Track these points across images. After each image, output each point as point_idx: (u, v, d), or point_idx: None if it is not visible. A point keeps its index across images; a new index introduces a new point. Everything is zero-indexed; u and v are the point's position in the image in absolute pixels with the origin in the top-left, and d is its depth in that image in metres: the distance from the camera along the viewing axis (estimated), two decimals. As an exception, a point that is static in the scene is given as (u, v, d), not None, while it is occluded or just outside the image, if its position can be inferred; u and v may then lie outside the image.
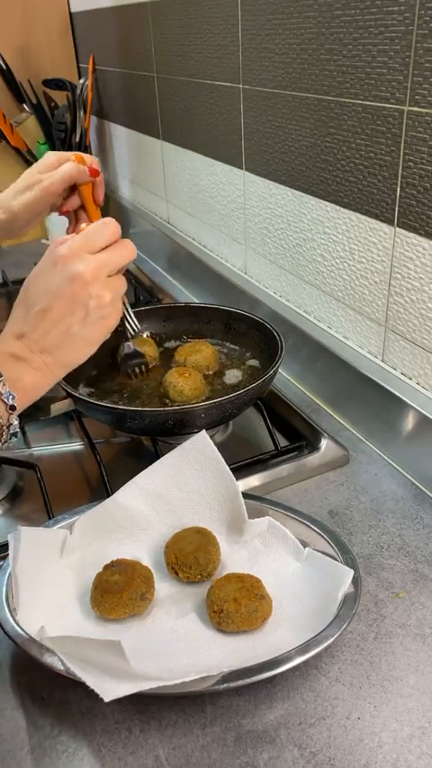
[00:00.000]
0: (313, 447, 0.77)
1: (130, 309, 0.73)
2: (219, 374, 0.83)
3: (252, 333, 0.85)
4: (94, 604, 0.56)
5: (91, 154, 1.73)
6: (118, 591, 0.55)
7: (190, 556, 0.58)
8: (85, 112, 1.47)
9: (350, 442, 0.78)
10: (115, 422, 0.73)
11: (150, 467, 0.65)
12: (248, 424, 0.85)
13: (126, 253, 0.58)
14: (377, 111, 0.68)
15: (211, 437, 0.66)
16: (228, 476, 0.64)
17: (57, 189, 0.73)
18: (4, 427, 0.53)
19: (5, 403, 0.52)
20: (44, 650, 0.50)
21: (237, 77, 0.94)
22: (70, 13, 1.58)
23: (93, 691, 0.45)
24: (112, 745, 0.48)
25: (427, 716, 0.49)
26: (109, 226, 0.58)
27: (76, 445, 0.83)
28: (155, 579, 0.58)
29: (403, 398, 0.71)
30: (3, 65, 1.51)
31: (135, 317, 0.74)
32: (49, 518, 0.67)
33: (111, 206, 1.64)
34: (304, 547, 0.60)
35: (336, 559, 0.58)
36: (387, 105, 0.66)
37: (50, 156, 0.75)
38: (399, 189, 0.68)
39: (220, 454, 0.64)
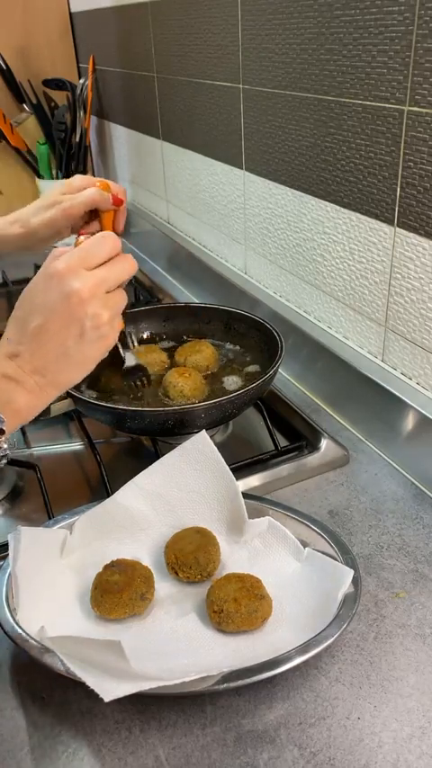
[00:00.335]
0: (313, 447, 0.77)
1: (126, 328, 0.73)
2: (218, 377, 0.83)
3: (252, 333, 0.85)
4: (94, 604, 0.56)
5: (91, 154, 1.74)
6: (118, 591, 0.55)
7: (190, 556, 0.58)
8: (85, 112, 1.47)
9: (350, 442, 0.78)
10: (115, 422, 0.73)
11: (150, 467, 0.65)
12: (248, 424, 0.85)
13: (126, 268, 0.56)
14: (377, 111, 0.68)
15: (211, 437, 0.66)
16: (228, 476, 0.64)
17: (76, 212, 0.72)
18: None
19: None
20: (44, 650, 0.50)
21: (237, 77, 0.94)
22: (70, 13, 1.58)
23: (93, 691, 0.45)
24: (112, 745, 0.48)
25: (427, 716, 0.49)
26: (108, 239, 0.56)
27: (76, 445, 0.83)
28: (155, 579, 0.58)
29: (403, 398, 0.71)
30: (3, 65, 1.51)
31: (135, 324, 0.74)
32: (49, 518, 0.67)
33: (111, 206, 1.64)
34: (304, 547, 0.60)
35: (336, 559, 0.58)
36: (387, 105, 0.66)
37: (76, 180, 0.75)
38: (399, 189, 0.68)
39: (219, 454, 0.64)
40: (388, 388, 0.74)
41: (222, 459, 0.64)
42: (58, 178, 1.50)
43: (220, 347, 0.88)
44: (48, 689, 0.52)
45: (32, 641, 0.51)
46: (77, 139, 1.46)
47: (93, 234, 0.75)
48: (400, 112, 0.65)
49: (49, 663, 0.50)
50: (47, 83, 1.51)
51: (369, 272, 0.76)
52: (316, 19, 0.74)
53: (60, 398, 0.83)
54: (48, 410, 0.84)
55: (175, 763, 0.47)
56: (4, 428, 0.51)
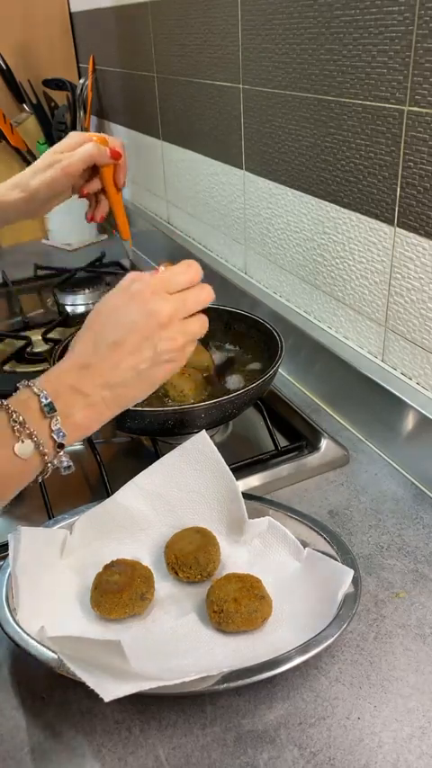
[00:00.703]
0: (313, 447, 0.77)
1: None
2: (218, 376, 0.83)
3: (252, 333, 0.85)
4: (94, 604, 0.56)
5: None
6: (118, 591, 0.55)
7: (190, 556, 0.58)
8: (85, 112, 1.47)
9: (350, 442, 0.78)
10: (115, 422, 0.73)
11: (150, 467, 0.65)
12: (248, 424, 0.85)
13: (204, 297, 0.57)
14: (377, 111, 0.68)
15: (211, 437, 0.66)
16: (228, 476, 0.64)
17: (75, 169, 0.71)
18: (49, 464, 0.51)
19: (54, 440, 0.50)
20: (44, 650, 0.50)
21: (237, 77, 0.94)
22: (70, 13, 1.58)
23: (93, 691, 0.45)
24: (112, 745, 0.48)
25: (427, 716, 0.49)
26: (192, 268, 0.57)
27: (76, 445, 0.83)
28: (155, 579, 0.58)
29: (403, 398, 0.71)
30: (3, 65, 1.51)
31: None
32: (49, 518, 0.67)
33: (111, 206, 1.64)
34: (304, 547, 0.60)
35: (336, 559, 0.58)
36: (387, 105, 0.66)
37: (73, 136, 0.73)
38: (399, 189, 0.68)
39: (219, 454, 0.64)
40: (388, 388, 0.74)
41: (222, 460, 0.64)
42: (58, 178, 1.50)
43: (220, 347, 0.88)
44: (48, 689, 0.52)
45: (32, 641, 0.51)
46: (77, 139, 1.46)
47: (96, 193, 0.74)
48: (400, 112, 0.65)
49: (49, 663, 0.50)
50: (47, 83, 1.51)
51: (369, 272, 0.76)
52: (316, 19, 0.74)
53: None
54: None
55: (175, 763, 0.47)
56: (65, 442, 0.50)
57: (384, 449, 0.76)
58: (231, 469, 0.64)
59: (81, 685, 0.46)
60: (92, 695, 0.45)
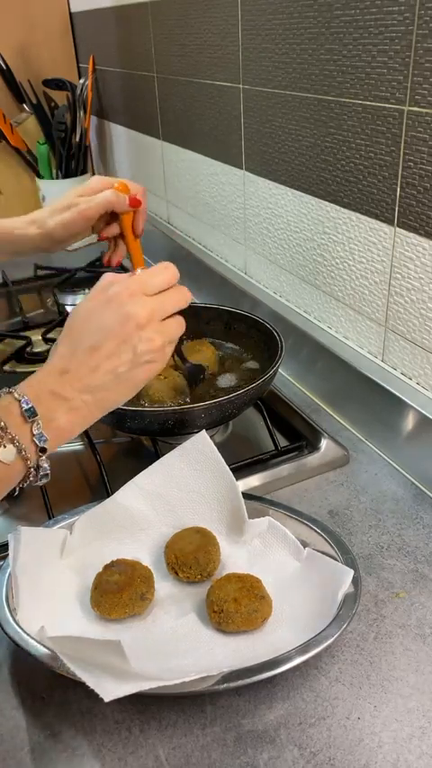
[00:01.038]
0: (313, 447, 0.77)
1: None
2: (218, 376, 0.83)
3: (252, 333, 0.85)
4: (94, 604, 0.56)
5: (91, 154, 1.74)
6: (118, 591, 0.55)
7: (190, 556, 0.58)
8: (85, 112, 1.47)
9: (350, 442, 0.78)
10: (115, 422, 0.73)
11: (150, 467, 0.65)
12: (248, 423, 0.85)
13: (181, 298, 0.57)
14: (377, 111, 0.68)
15: (211, 437, 0.66)
16: (228, 476, 0.64)
17: (92, 214, 0.72)
18: (32, 469, 0.51)
19: (36, 445, 0.50)
20: (44, 650, 0.50)
21: (237, 77, 0.94)
22: (70, 13, 1.58)
23: (93, 691, 0.45)
24: (112, 745, 0.48)
25: (427, 716, 0.49)
26: (169, 269, 0.57)
27: (76, 445, 0.83)
28: (155, 579, 0.58)
29: (403, 398, 0.71)
30: (3, 65, 1.51)
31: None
32: (49, 518, 0.67)
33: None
34: (304, 547, 0.60)
35: (336, 559, 0.58)
36: (387, 105, 0.66)
37: (94, 181, 0.74)
38: (399, 189, 0.68)
39: (219, 454, 0.64)
40: (388, 388, 0.74)
41: (222, 460, 0.64)
42: (58, 178, 1.50)
43: (220, 347, 0.88)
44: (48, 689, 0.52)
45: (32, 641, 0.51)
46: (77, 139, 1.46)
47: (115, 237, 0.76)
48: (400, 112, 0.65)
49: (49, 663, 0.50)
50: (47, 83, 1.51)
51: (369, 272, 0.76)
52: (316, 19, 0.74)
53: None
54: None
55: (175, 763, 0.47)
56: (47, 446, 0.50)
57: (384, 449, 0.76)
58: (231, 469, 0.64)
59: (81, 685, 0.46)
60: (92, 695, 0.45)
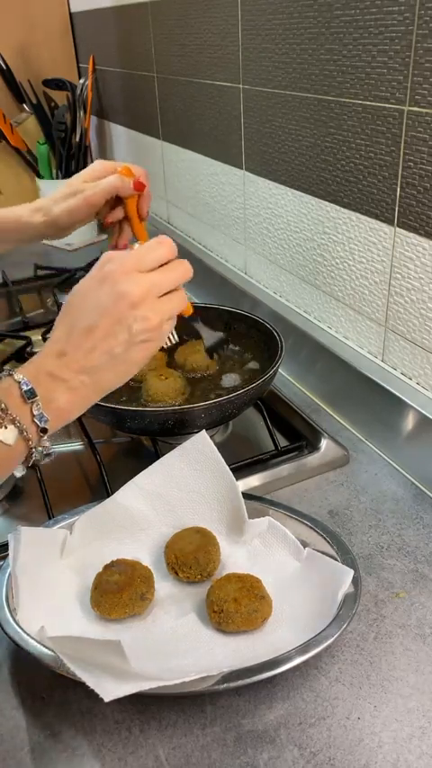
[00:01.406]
0: (313, 447, 0.77)
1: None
2: (219, 377, 0.83)
3: (252, 333, 0.85)
4: (94, 604, 0.56)
5: (91, 154, 1.74)
6: (118, 591, 0.55)
7: (190, 556, 0.58)
8: (85, 112, 1.47)
9: (350, 442, 0.78)
10: (115, 422, 0.73)
11: (150, 467, 0.65)
12: (248, 423, 0.85)
13: (180, 273, 0.55)
14: (377, 111, 0.68)
15: (211, 437, 0.66)
16: (228, 476, 0.64)
17: (98, 200, 0.72)
18: (34, 449, 0.51)
19: (37, 425, 0.50)
20: (44, 650, 0.50)
21: (237, 77, 0.94)
22: (70, 13, 1.58)
23: (93, 691, 0.45)
24: (112, 745, 0.48)
25: (427, 716, 0.49)
26: (164, 244, 0.55)
27: (76, 445, 0.83)
28: (155, 579, 0.58)
29: (403, 398, 0.71)
30: (3, 65, 1.51)
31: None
32: (49, 518, 0.67)
33: (111, 206, 1.64)
34: (304, 547, 0.60)
35: (336, 559, 0.58)
36: (387, 105, 0.66)
37: (97, 165, 0.74)
38: (399, 189, 0.68)
39: (219, 454, 0.64)
40: (388, 388, 0.74)
41: (222, 460, 0.64)
42: (58, 178, 1.50)
43: (220, 347, 0.88)
44: (48, 689, 0.52)
45: (32, 641, 0.51)
46: (77, 139, 1.46)
47: (120, 222, 0.73)
48: (400, 112, 0.65)
49: (49, 663, 0.50)
50: (47, 83, 1.51)
51: (369, 272, 0.76)
52: (316, 19, 0.74)
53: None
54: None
55: (175, 763, 0.47)
56: (48, 427, 0.50)
57: (384, 449, 0.76)
58: (231, 469, 0.64)
59: (81, 685, 0.46)
60: (92, 695, 0.45)
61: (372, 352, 0.80)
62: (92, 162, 1.78)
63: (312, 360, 0.87)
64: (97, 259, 0.55)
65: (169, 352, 0.87)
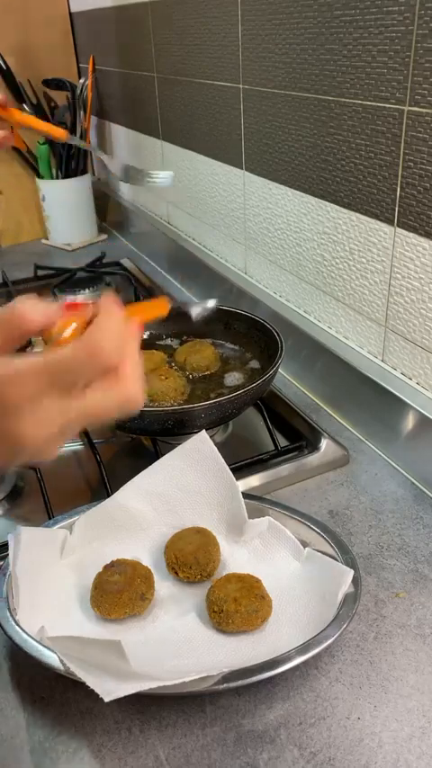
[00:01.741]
0: (313, 447, 0.77)
1: None
2: (219, 376, 0.83)
3: (252, 333, 0.85)
4: (94, 604, 0.56)
5: (91, 154, 1.73)
6: (118, 591, 0.55)
7: (190, 556, 0.58)
8: (85, 112, 1.47)
9: (350, 442, 0.78)
10: (115, 422, 0.73)
11: (150, 467, 0.65)
12: (248, 424, 0.85)
13: (118, 400, 0.37)
14: (377, 111, 0.68)
15: (211, 437, 0.66)
16: (228, 476, 0.64)
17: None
18: None
19: None
20: (44, 650, 0.50)
21: (237, 77, 0.94)
22: (70, 13, 1.58)
23: (93, 691, 0.45)
24: (112, 745, 0.48)
25: (427, 716, 0.49)
26: (99, 354, 0.35)
27: (76, 445, 0.83)
28: (155, 579, 0.58)
29: (403, 398, 0.71)
30: (3, 65, 1.51)
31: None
32: (49, 518, 0.67)
33: (111, 206, 1.64)
34: (304, 547, 0.60)
35: (336, 559, 0.58)
36: (387, 105, 0.66)
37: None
38: (399, 189, 0.68)
39: (219, 454, 0.64)
40: (388, 388, 0.74)
41: (222, 460, 0.64)
42: (58, 178, 1.50)
43: (220, 347, 0.88)
44: (48, 689, 0.52)
45: (32, 641, 0.51)
46: (77, 139, 1.46)
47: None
48: (400, 112, 0.65)
49: (49, 663, 0.50)
50: (47, 83, 1.51)
51: (369, 272, 0.76)
52: (316, 19, 0.74)
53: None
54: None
55: (175, 763, 0.47)
56: None
57: (384, 449, 0.76)
58: (231, 469, 0.64)
59: (81, 685, 0.46)
60: (92, 695, 0.45)
61: (372, 352, 0.80)
62: (92, 162, 1.78)
63: (312, 360, 0.87)
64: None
65: (169, 352, 0.87)
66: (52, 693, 0.52)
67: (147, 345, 0.88)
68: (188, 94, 1.11)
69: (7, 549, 0.57)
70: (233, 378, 0.82)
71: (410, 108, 0.63)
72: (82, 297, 1.21)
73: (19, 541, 0.56)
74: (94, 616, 0.56)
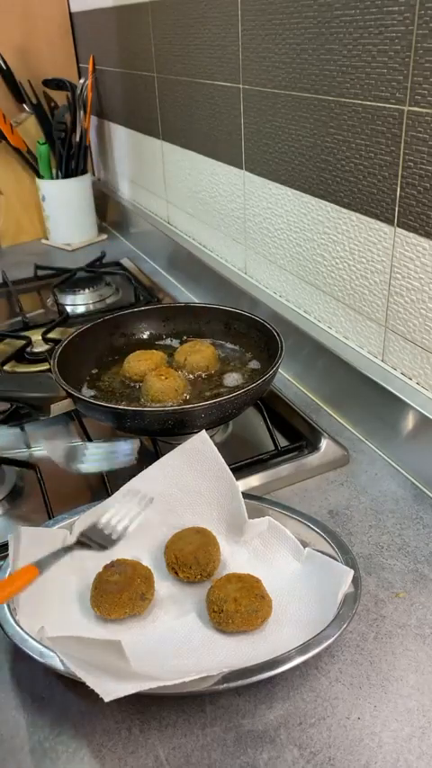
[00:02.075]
0: (313, 447, 0.77)
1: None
2: (219, 376, 0.83)
3: (252, 333, 0.85)
4: (93, 604, 0.56)
5: (91, 154, 1.74)
6: (118, 591, 0.55)
7: (190, 556, 0.58)
8: (85, 112, 1.47)
9: (350, 442, 0.78)
10: (115, 422, 0.73)
11: (150, 467, 0.65)
12: (248, 424, 0.85)
13: None
14: (377, 111, 0.68)
15: (211, 437, 0.66)
16: (228, 476, 0.64)
17: None
18: None
19: None
20: (44, 650, 0.50)
21: (237, 77, 0.94)
22: (70, 13, 1.58)
23: (93, 691, 0.45)
24: (112, 745, 0.48)
25: (427, 716, 0.49)
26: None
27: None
28: (155, 579, 0.58)
29: (403, 398, 0.71)
30: (3, 65, 1.51)
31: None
32: (49, 518, 0.67)
33: (111, 206, 1.64)
34: (304, 547, 0.60)
35: (336, 559, 0.58)
36: (387, 105, 0.66)
37: None
38: (399, 189, 0.68)
39: (219, 454, 0.64)
40: (388, 388, 0.74)
41: (222, 460, 0.64)
42: (58, 178, 1.50)
43: (220, 347, 0.88)
44: (48, 689, 0.52)
45: (32, 641, 0.51)
46: (77, 139, 1.46)
47: None
48: (400, 112, 0.65)
49: (49, 663, 0.50)
50: (47, 83, 1.51)
51: (369, 272, 0.76)
52: (316, 19, 0.74)
53: (60, 398, 0.84)
54: (48, 410, 0.84)
55: (175, 763, 0.47)
56: None
57: (384, 449, 0.76)
58: (231, 469, 0.64)
59: (81, 685, 0.46)
60: (92, 695, 0.45)
61: (372, 352, 0.80)
62: (92, 162, 1.78)
63: (312, 360, 0.87)
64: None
65: (169, 352, 0.87)
66: (52, 693, 0.52)
67: (147, 345, 0.88)
68: (188, 94, 1.11)
69: (7, 549, 0.57)
70: (233, 378, 0.82)
71: (410, 108, 0.63)
72: (82, 297, 1.21)
73: (19, 541, 0.56)
74: (93, 616, 0.56)
